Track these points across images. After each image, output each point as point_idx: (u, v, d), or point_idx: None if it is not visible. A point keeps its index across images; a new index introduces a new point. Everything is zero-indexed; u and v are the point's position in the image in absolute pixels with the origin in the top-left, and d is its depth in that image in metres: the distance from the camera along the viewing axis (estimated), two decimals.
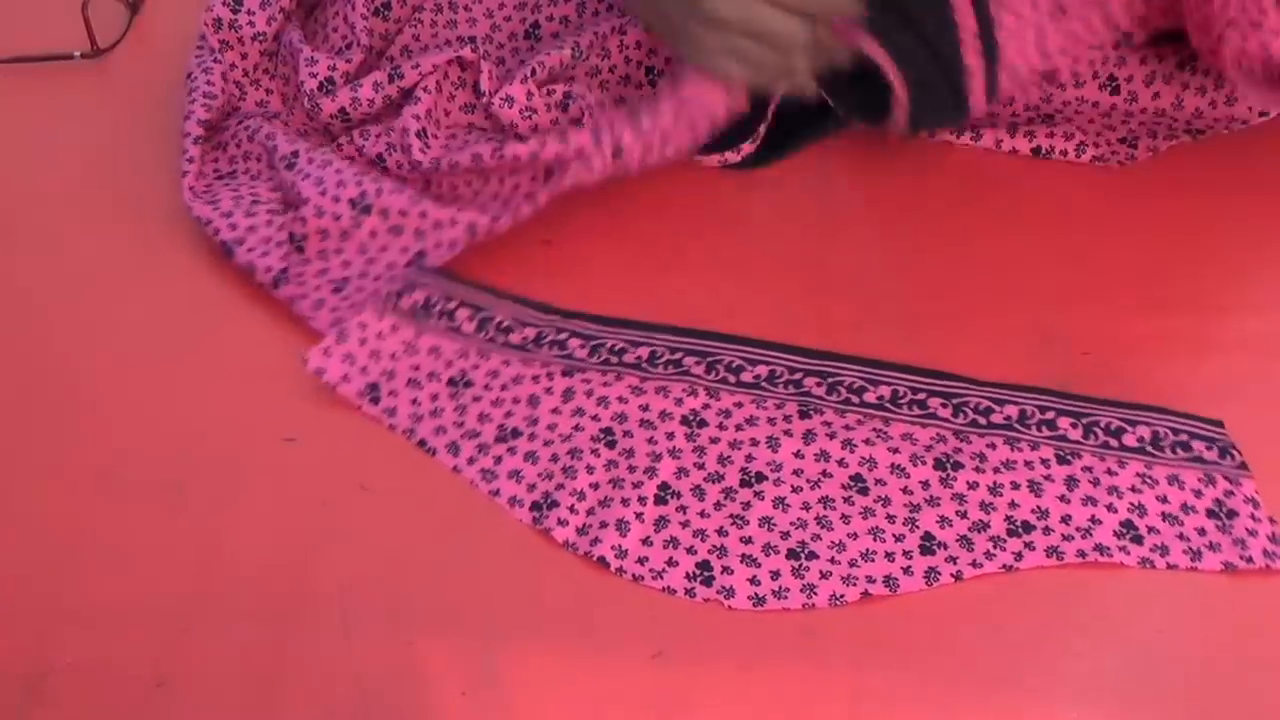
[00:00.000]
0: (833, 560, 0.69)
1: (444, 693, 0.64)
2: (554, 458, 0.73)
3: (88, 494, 0.72)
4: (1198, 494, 0.72)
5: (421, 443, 0.74)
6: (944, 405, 0.75)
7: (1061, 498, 0.71)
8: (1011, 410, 0.75)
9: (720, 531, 0.70)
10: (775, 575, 0.68)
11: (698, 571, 0.68)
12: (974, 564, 0.68)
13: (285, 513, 0.71)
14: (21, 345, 0.79)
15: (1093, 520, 0.70)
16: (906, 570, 0.68)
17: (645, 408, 0.75)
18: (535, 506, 0.71)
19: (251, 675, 0.64)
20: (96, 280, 0.82)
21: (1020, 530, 0.70)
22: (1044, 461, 0.73)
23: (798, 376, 0.77)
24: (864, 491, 0.71)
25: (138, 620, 0.66)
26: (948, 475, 0.72)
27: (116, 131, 0.92)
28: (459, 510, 0.71)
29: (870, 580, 0.68)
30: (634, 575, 0.68)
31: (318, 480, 0.72)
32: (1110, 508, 0.71)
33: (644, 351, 0.78)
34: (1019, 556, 0.69)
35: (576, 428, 0.74)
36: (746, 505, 0.71)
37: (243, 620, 0.66)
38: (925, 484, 0.72)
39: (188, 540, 0.70)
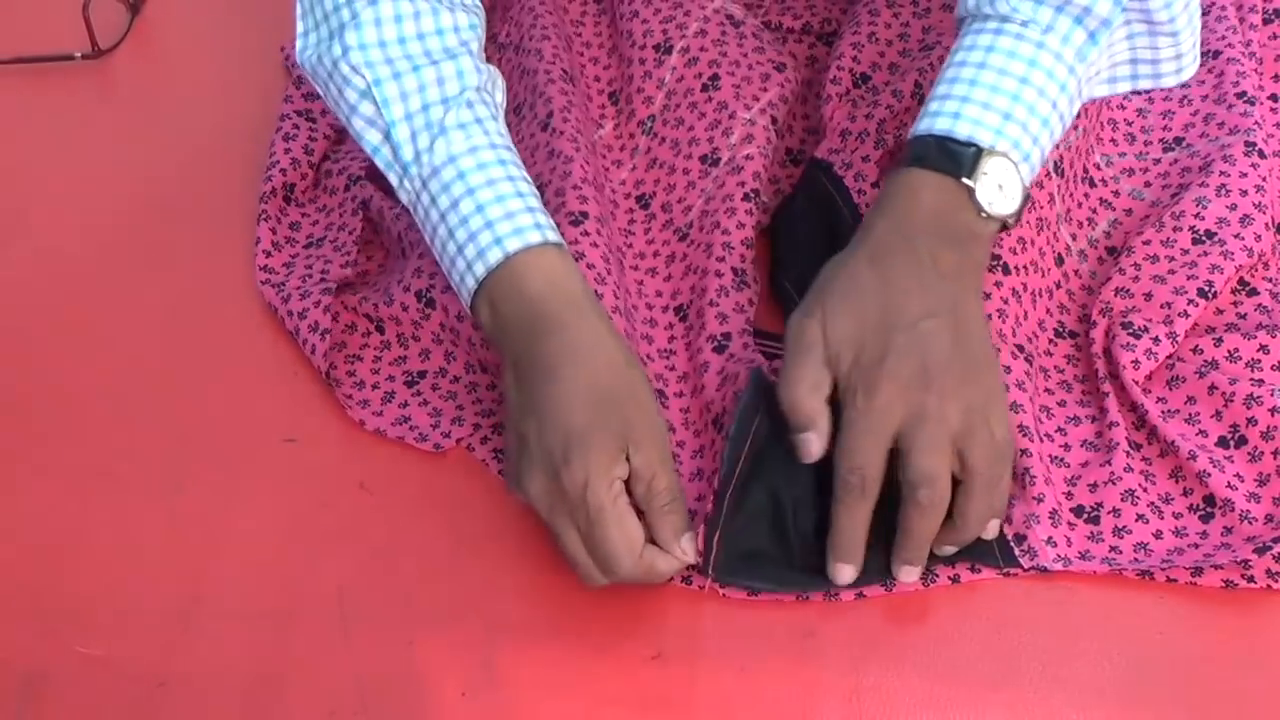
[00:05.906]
0: None
1: (444, 693, 0.64)
2: None
3: (87, 494, 0.72)
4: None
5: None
6: None
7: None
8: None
9: None
10: None
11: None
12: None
13: (285, 513, 0.71)
14: (21, 345, 0.79)
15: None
16: None
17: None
18: None
19: (251, 675, 0.64)
20: (96, 280, 0.82)
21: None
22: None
23: None
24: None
25: (138, 620, 0.67)
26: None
27: (117, 132, 0.92)
28: (459, 510, 0.71)
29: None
30: None
31: (318, 480, 0.72)
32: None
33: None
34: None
35: None
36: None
37: (243, 620, 0.66)
38: None
39: (188, 540, 0.70)
